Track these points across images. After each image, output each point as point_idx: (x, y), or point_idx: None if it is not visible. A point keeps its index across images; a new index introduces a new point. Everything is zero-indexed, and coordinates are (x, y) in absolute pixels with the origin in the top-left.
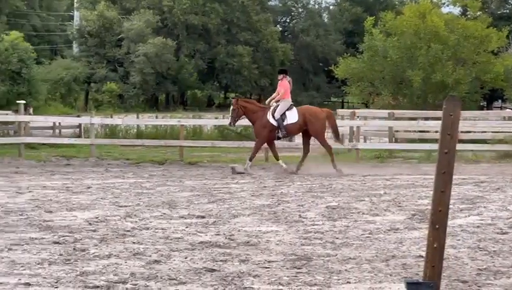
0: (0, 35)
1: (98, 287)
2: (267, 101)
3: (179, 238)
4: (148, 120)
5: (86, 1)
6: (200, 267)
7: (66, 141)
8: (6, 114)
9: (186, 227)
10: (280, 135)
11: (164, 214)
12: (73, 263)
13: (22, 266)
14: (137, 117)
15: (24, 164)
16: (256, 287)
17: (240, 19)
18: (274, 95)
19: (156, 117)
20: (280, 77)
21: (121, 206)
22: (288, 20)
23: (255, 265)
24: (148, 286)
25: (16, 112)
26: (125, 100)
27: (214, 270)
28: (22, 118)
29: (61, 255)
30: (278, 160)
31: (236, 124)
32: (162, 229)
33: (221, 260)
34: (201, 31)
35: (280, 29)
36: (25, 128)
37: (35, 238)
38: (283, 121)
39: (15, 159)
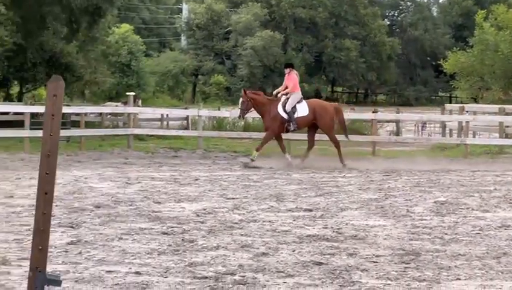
0: (112, 28)
1: (206, 278)
2: (274, 92)
3: (287, 231)
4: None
5: None
6: (308, 260)
7: (173, 132)
8: (116, 106)
9: (294, 220)
10: (291, 127)
11: (271, 206)
12: (182, 254)
13: (132, 255)
14: None
15: (133, 155)
16: (364, 282)
17: (347, 13)
18: (281, 88)
19: None
20: (287, 70)
21: (228, 199)
22: (396, 14)
23: (363, 259)
24: (256, 278)
25: (125, 103)
26: (233, 93)
27: (321, 263)
28: (131, 109)
29: (170, 245)
30: (284, 153)
31: (246, 116)
32: (270, 221)
33: (328, 254)
34: (308, 24)
35: (388, 23)
36: (134, 119)
37: (145, 229)
38: (294, 113)
39: (124, 150)
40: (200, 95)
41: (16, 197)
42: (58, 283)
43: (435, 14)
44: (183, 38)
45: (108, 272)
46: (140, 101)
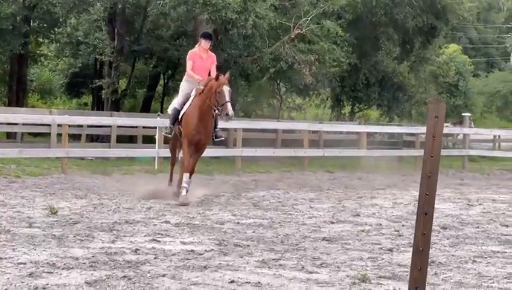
0: (442, 48)
1: None
2: None
3: None
4: None
5: None
6: None
7: (507, 154)
8: (446, 126)
9: None
10: None
11: None
12: None
13: (490, 279)
14: None
15: (468, 176)
16: None
17: None
18: None
19: None
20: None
21: None
22: None
23: None
24: None
25: (454, 124)
26: None
27: None
28: (466, 130)
29: None
30: None
31: None
32: None
33: None
34: None
35: None
36: (467, 140)
37: (497, 252)
38: None
39: (459, 171)
40: None
41: (362, 216)
42: None
43: None
44: None
45: None
46: (472, 123)
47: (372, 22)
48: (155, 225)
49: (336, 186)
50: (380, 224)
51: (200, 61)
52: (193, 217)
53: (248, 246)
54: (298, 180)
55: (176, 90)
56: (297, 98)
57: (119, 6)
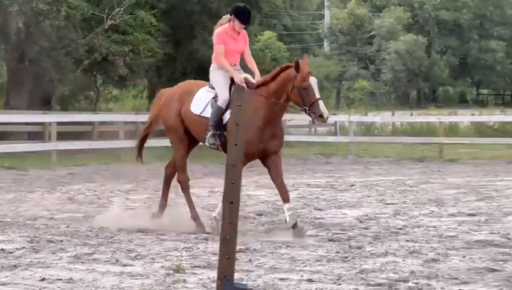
0: (257, 36)
1: (380, 285)
2: None
3: (453, 236)
4: (406, 118)
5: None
6: (480, 266)
7: (323, 139)
8: None
9: (458, 225)
10: None
11: (433, 211)
12: (351, 261)
13: (302, 263)
14: (393, 114)
15: (285, 162)
16: None
17: (493, 13)
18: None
19: (411, 115)
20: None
21: (387, 204)
22: None
23: None
24: (430, 284)
25: None
26: (377, 97)
27: (495, 270)
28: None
29: (338, 252)
30: None
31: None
32: (434, 227)
33: (501, 260)
34: (452, 26)
35: None
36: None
37: (311, 236)
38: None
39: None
40: (344, 100)
41: (178, 206)
42: None
43: None
44: (325, 44)
45: (282, 279)
46: None
47: (186, 11)
48: None
49: (152, 176)
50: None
51: (234, 43)
52: (4, 215)
53: (61, 241)
54: (115, 172)
55: None
56: (114, 89)
57: None
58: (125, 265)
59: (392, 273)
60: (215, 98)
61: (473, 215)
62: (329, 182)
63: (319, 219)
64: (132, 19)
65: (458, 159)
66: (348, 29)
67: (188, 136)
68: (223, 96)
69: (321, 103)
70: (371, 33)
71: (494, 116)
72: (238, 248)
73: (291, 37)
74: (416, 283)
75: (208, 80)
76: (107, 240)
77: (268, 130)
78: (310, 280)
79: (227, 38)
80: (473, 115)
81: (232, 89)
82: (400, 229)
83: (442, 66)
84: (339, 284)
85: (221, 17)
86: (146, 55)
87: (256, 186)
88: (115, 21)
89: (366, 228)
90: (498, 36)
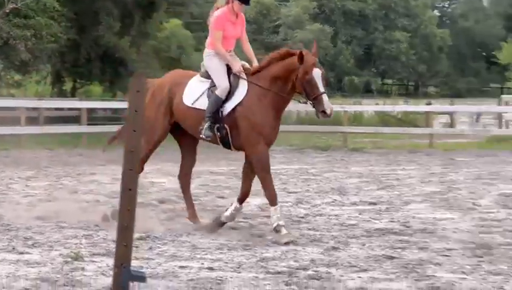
0: (163, 23)
1: (279, 273)
2: None
3: (354, 225)
4: (311, 106)
5: None
6: (379, 254)
7: None
8: None
9: (359, 214)
10: None
11: (335, 200)
12: (252, 249)
13: (203, 251)
14: (300, 102)
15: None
16: (439, 276)
17: (397, 4)
18: None
19: None
20: None
21: (290, 193)
22: (446, 5)
23: (435, 253)
24: (330, 272)
25: None
26: None
27: (393, 257)
28: None
29: (239, 240)
30: None
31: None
32: (335, 215)
33: (399, 247)
34: (358, 17)
35: (438, 14)
36: None
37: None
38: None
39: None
40: None
41: (80, 193)
42: (143, 279)
43: (485, 4)
44: None
45: (182, 267)
46: None
47: None
48: None
49: (54, 163)
50: (98, 200)
51: (232, 28)
52: None
53: None
54: (15, 159)
55: None
56: (16, 74)
57: None
58: (22, 253)
59: (292, 261)
60: (211, 88)
61: (374, 204)
62: (232, 170)
63: (221, 207)
64: (34, 3)
65: (362, 148)
66: (254, 18)
67: (182, 134)
68: (223, 85)
69: (325, 97)
70: (277, 22)
71: (398, 106)
72: (138, 235)
73: (198, 25)
74: (316, 271)
75: (112, 66)
76: (4, 227)
77: (276, 120)
78: (211, 268)
79: (226, 24)
80: (377, 104)
81: (231, 78)
82: (302, 217)
83: (348, 56)
84: (239, 272)
85: (127, 4)
86: (49, 40)
87: (160, 173)
88: (17, 5)
89: (268, 217)
90: (402, 27)
